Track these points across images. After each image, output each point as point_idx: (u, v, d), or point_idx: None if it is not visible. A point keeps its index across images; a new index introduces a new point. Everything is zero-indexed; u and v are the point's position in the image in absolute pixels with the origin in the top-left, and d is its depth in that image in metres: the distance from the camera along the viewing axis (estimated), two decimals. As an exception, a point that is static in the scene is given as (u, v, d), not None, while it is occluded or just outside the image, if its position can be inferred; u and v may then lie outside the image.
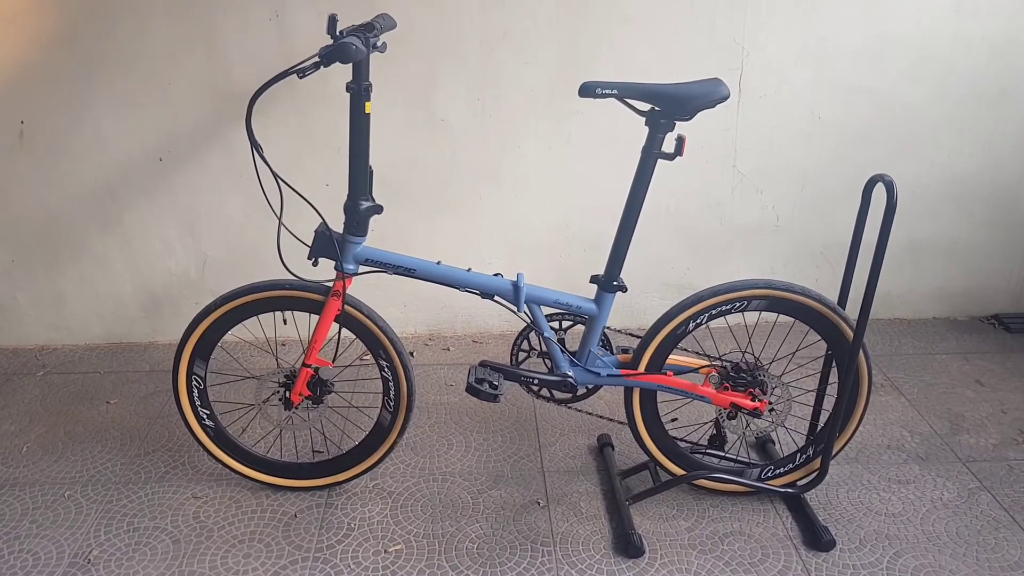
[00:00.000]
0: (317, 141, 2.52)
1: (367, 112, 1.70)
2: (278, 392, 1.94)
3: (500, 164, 2.59)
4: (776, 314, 1.87)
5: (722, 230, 2.75)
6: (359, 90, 1.66)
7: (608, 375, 1.89)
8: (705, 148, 2.59)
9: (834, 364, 1.93)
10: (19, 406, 2.46)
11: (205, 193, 2.56)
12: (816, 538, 1.86)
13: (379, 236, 2.67)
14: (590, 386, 1.96)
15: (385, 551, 1.87)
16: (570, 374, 1.89)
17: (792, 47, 2.46)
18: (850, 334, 1.82)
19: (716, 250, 2.78)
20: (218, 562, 1.84)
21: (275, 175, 1.70)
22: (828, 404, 1.96)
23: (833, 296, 1.91)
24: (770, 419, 1.93)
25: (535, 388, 1.92)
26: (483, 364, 1.87)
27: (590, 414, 2.07)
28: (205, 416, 1.99)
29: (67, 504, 2.03)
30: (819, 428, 2.00)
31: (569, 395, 1.94)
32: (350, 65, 1.60)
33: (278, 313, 1.89)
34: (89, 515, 1.99)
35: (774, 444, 2.18)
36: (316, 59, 1.53)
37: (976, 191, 2.72)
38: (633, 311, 2.87)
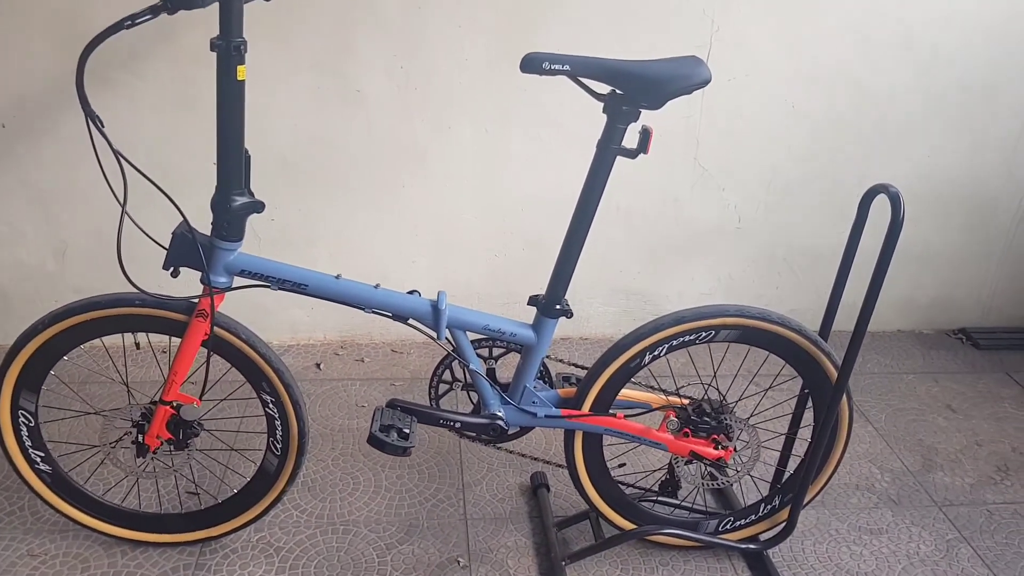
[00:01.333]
0: (202, 110, 2.08)
1: (240, 79, 1.29)
2: (130, 434, 1.53)
3: (427, 147, 2.20)
4: (747, 346, 1.56)
5: (678, 231, 2.43)
6: (228, 48, 1.26)
7: (546, 415, 1.56)
8: (664, 137, 2.23)
9: (809, 404, 1.63)
10: None
11: (59, 167, 2.10)
12: (783, 609, 1.58)
13: (280, 227, 2.26)
14: (514, 428, 1.62)
15: (265, 630, 1.51)
16: (500, 414, 1.55)
17: (769, 25, 2.14)
18: (833, 372, 1.53)
19: (670, 253, 2.47)
20: (46, 650, 1.44)
21: (116, 152, 1.29)
22: (799, 448, 1.68)
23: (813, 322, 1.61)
24: (735, 468, 1.63)
25: (458, 431, 1.57)
26: (391, 405, 1.50)
27: (522, 455, 1.73)
28: (39, 459, 1.57)
29: None
30: (787, 476, 1.71)
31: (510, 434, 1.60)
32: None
33: (130, 335, 1.48)
34: None
35: (732, 487, 1.89)
36: (157, 3, 1.12)
37: (956, 192, 2.47)
38: (574, 319, 2.53)
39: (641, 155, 1.35)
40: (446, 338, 1.49)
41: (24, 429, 1.53)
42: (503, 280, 2.42)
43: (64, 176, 2.11)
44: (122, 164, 1.30)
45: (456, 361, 1.55)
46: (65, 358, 1.49)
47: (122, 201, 1.31)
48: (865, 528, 1.82)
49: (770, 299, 2.56)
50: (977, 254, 2.59)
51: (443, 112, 2.16)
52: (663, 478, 1.71)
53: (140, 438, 1.51)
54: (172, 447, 1.54)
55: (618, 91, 1.30)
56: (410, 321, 1.49)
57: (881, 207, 1.40)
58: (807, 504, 1.68)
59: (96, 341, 1.48)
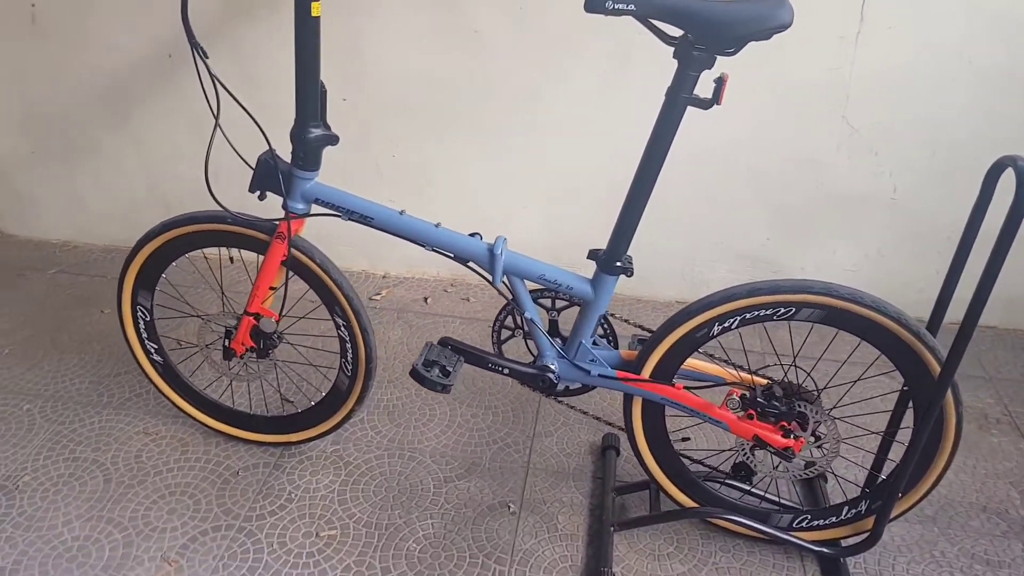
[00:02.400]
0: (334, 46, 2.17)
1: (315, 15, 1.33)
2: (222, 338, 1.68)
3: (542, 91, 2.15)
4: (835, 329, 1.38)
5: (818, 196, 2.19)
6: (302, -16, 1.29)
7: (600, 375, 1.49)
8: (804, 90, 2.03)
9: (911, 404, 1.43)
10: (21, 304, 2.38)
11: (221, 94, 2.29)
12: (843, 624, 1.42)
13: (400, 164, 2.33)
14: (576, 384, 1.57)
15: (317, 535, 1.61)
16: (552, 367, 1.51)
17: (944, -37, 1.83)
18: (936, 370, 1.32)
19: (807, 221, 2.24)
20: (139, 514, 1.65)
21: (215, 80, 1.39)
22: (899, 452, 1.48)
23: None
24: (809, 461, 1.47)
25: (508, 376, 1.55)
26: (443, 342, 1.52)
27: (584, 413, 1.68)
28: (153, 350, 1.78)
29: (21, 419, 1.91)
30: (880, 480, 1.52)
31: (559, 388, 1.57)
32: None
33: (225, 250, 1.61)
34: (38, 435, 1.86)
35: (825, 482, 1.72)
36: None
37: None
38: (693, 282, 2.40)
39: (716, 107, 1.21)
40: (503, 283, 1.47)
41: (141, 323, 1.74)
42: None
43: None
44: (217, 89, 1.40)
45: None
46: (175, 264, 1.66)
47: (216, 119, 1.41)
48: (980, 557, 1.58)
49: (927, 284, 2.25)
50: None
51: (560, 55, 2.08)
52: (736, 460, 1.58)
53: (227, 343, 1.66)
54: (255, 355, 1.67)
55: (688, 34, 1.17)
56: (470, 264, 1.48)
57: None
58: (899, 517, 1.49)
59: (199, 253, 1.64)
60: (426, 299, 2.43)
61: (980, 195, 1.26)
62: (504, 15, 2.05)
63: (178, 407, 1.83)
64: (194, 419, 1.84)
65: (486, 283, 2.47)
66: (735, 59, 1.89)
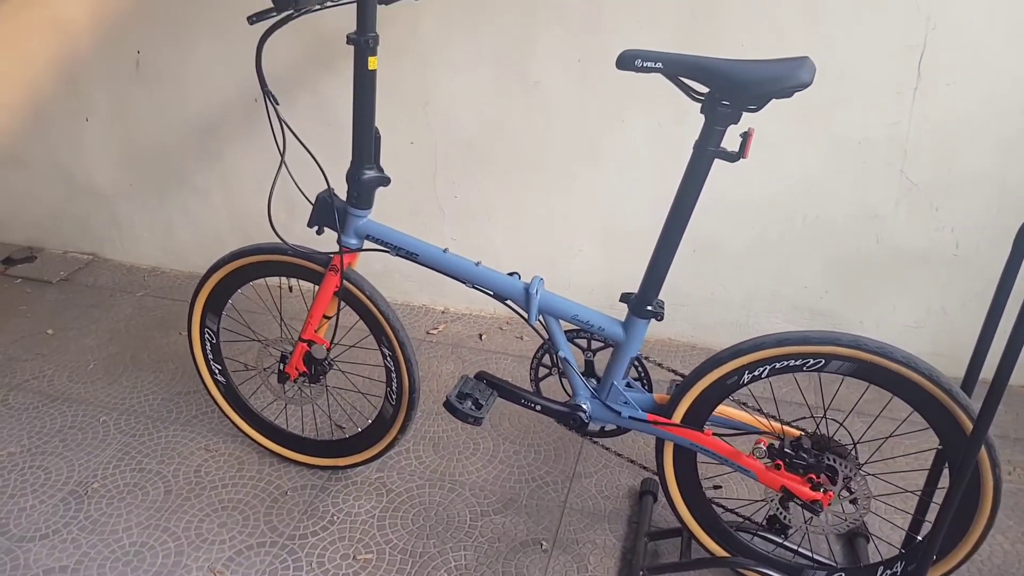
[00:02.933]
0: (404, 94, 2.31)
1: (372, 68, 1.45)
2: (277, 362, 1.80)
3: (599, 139, 2.22)
4: (867, 384, 1.37)
5: (878, 251, 2.16)
6: (361, 43, 1.42)
7: (631, 417, 1.52)
8: (863, 145, 2.03)
9: (947, 463, 1.39)
10: (109, 322, 2.58)
11: (293, 139, 2.47)
12: None
13: (462, 204, 2.44)
14: (611, 426, 1.60)
15: (354, 558, 1.68)
16: (583, 407, 1.55)
17: (1003, 22, 1.81)
18: (969, 426, 1.29)
19: (867, 275, 2.20)
20: (192, 526, 1.76)
21: (283, 123, 1.52)
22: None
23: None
24: (841, 516, 1.45)
25: (541, 413, 1.60)
26: (479, 376, 1.58)
27: (619, 455, 1.70)
28: (217, 371, 1.91)
29: (97, 429, 2.07)
30: (916, 542, 1.48)
31: (591, 428, 1.60)
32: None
33: (285, 279, 1.74)
34: (110, 445, 2.01)
35: (867, 541, 1.67)
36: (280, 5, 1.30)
37: None
38: (749, 332, 2.36)
39: (741, 161, 1.25)
40: (539, 322, 1.52)
41: (208, 344, 1.87)
42: (668, 280, 2.35)
43: (295, 147, 2.49)
44: (284, 132, 1.53)
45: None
46: (240, 291, 1.80)
47: (282, 158, 1.54)
48: (1026, 631, 1.51)
49: (992, 343, 2.17)
50: None
51: (617, 104, 2.15)
52: (770, 512, 1.57)
53: (282, 367, 1.77)
54: (307, 380, 1.77)
55: (713, 91, 1.22)
56: (508, 302, 1.55)
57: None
58: (938, 581, 1.44)
59: (263, 282, 1.76)
60: (481, 336, 2.50)
61: (1011, 254, 1.24)
62: (564, 68, 2.14)
63: (236, 426, 1.95)
64: (251, 438, 1.95)
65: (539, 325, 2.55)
66: (795, 111, 1.93)
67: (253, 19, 1.33)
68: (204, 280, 1.79)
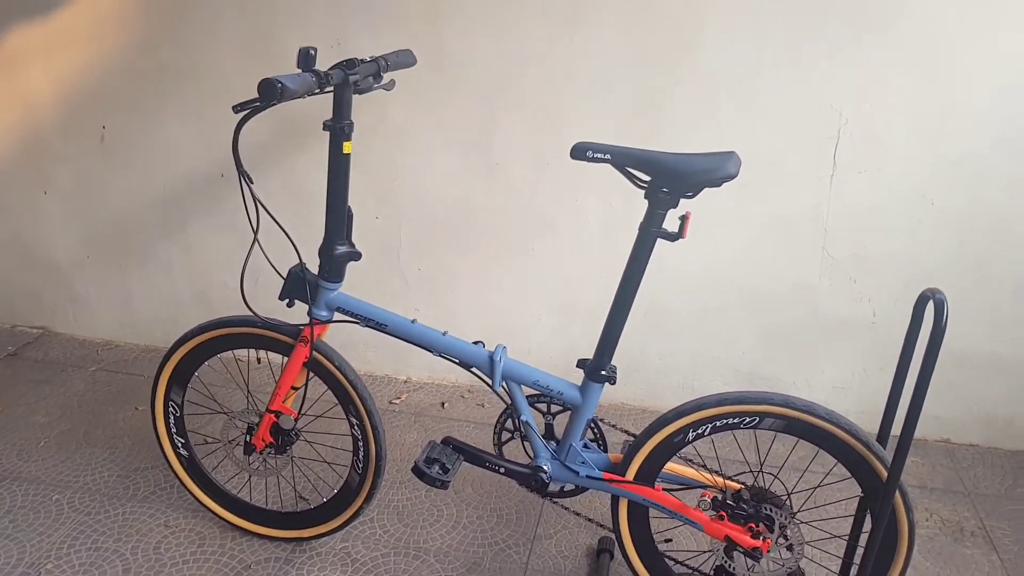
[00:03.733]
0: (372, 172, 2.44)
1: (346, 152, 1.57)
2: (244, 434, 1.84)
3: (556, 217, 2.38)
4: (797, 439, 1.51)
5: (807, 319, 2.36)
6: (337, 129, 1.55)
7: (588, 476, 1.63)
8: (790, 224, 2.24)
9: (868, 510, 1.53)
10: (59, 398, 2.56)
11: (260, 213, 2.56)
12: None
13: (426, 277, 2.55)
14: (570, 486, 1.70)
15: (320, 626, 1.71)
16: (544, 467, 1.65)
17: (904, 120, 2.06)
18: (884, 474, 1.44)
19: (798, 341, 2.39)
20: (155, 601, 1.76)
21: (257, 202, 1.60)
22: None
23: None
24: (780, 562, 1.57)
25: (504, 475, 1.69)
26: (445, 441, 1.67)
27: (577, 515, 1.80)
28: (180, 444, 1.94)
29: (50, 508, 2.05)
30: (850, 587, 1.60)
31: (552, 488, 1.70)
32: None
33: (254, 351, 1.80)
34: (64, 524, 1.99)
35: (806, 590, 1.79)
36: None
37: None
38: (694, 393, 2.53)
39: (680, 240, 1.41)
40: (502, 388, 1.63)
41: (172, 418, 1.91)
42: (622, 346, 2.49)
43: (263, 220, 2.58)
44: (258, 210, 1.62)
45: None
46: (207, 364, 1.85)
47: (255, 235, 1.62)
48: (954, 668, 1.63)
49: (900, 400, 2.36)
50: None
51: (571, 186, 2.33)
52: (716, 563, 1.67)
53: (248, 438, 1.81)
54: (273, 451, 1.82)
55: (655, 180, 1.39)
56: (472, 369, 1.65)
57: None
58: (870, 623, 1.56)
59: (230, 354, 1.82)
60: (443, 404, 2.58)
61: (911, 321, 1.42)
62: (524, 151, 2.31)
63: (198, 500, 1.97)
64: (213, 513, 1.97)
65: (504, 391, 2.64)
66: (734, 193, 2.12)
67: (238, 109, 1.44)
68: (171, 352, 1.84)
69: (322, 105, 1.55)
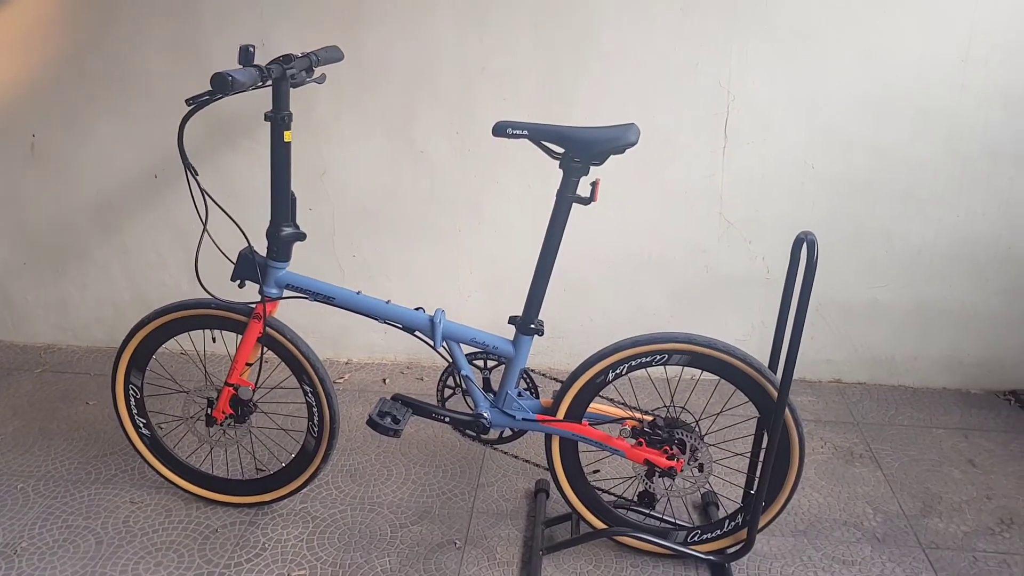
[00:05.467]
0: (302, 166, 2.59)
1: (287, 141, 1.74)
2: (204, 409, 1.98)
3: (479, 199, 2.59)
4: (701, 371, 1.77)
5: (708, 280, 2.64)
6: (278, 119, 1.71)
7: (523, 419, 1.84)
8: (689, 193, 2.51)
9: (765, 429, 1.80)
10: (9, 400, 2.62)
11: (195, 212, 2.67)
12: (728, 614, 1.73)
13: (360, 263, 2.72)
14: (513, 429, 1.91)
15: (289, 574, 1.87)
16: (485, 415, 1.86)
17: (782, 94, 2.36)
18: (775, 395, 1.71)
19: (702, 300, 2.68)
20: (130, 567, 1.89)
21: (204, 192, 1.75)
22: (762, 471, 1.84)
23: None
24: (692, 480, 1.82)
25: (450, 425, 1.89)
26: (395, 398, 1.86)
27: (515, 457, 2.02)
28: (142, 424, 2.06)
29: (16, 496, 2.14)
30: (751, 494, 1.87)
31: (492, 436, 1.90)
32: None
33: (208, 331, 1.95)
34: (32, 508, 2.09)
35: (717, 508, 2.06)
36: (210, 89, 1.56)
37: (991, 255, 2.51)
38: (614, 355, 2.78)
39: (592, 203, 1.64)
40: (443, 347, 1.83)
41: (132, 400, 2.03)
42: (545, 316, 2.72)
43: (197, 217, 2.69)
44: (206, 200, 1.77)
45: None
46: (164, 347, 1.98)
47: (204, 224, 1.77)
48: (839, 558, 1.92)
49: (805, 349, 2.68)
50: (1023, 316, 2.58)
51: (492, 169, 2.54)
52: (639, 490, 1.92)
53: (209, 412, 1.96)
54: (233, 421, 1.97)
55: (567, 151, 1.62)
56: (416, 333, 1.84)
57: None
58: (767, 525, 1.83)
59: (185, 336, 1.96)
60: (385, 380, 2.76)
61: (790, 262, 1.68)
62: (445, 139, 2.51)
63: (163, 476, 2.10)
64: (177, 487, 2.10)
65: (437, 366, 2.84)
66: (638, 169, 2.36)
67: (191, 101, 1.58)
68: (129, 338, 1.96)
69: (247, 106, 1.68)
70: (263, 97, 1.79)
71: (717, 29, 2.30)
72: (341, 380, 2.75)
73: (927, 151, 2.38)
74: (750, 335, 2.71)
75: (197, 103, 1.57)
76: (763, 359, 1.78)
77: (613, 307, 2.71)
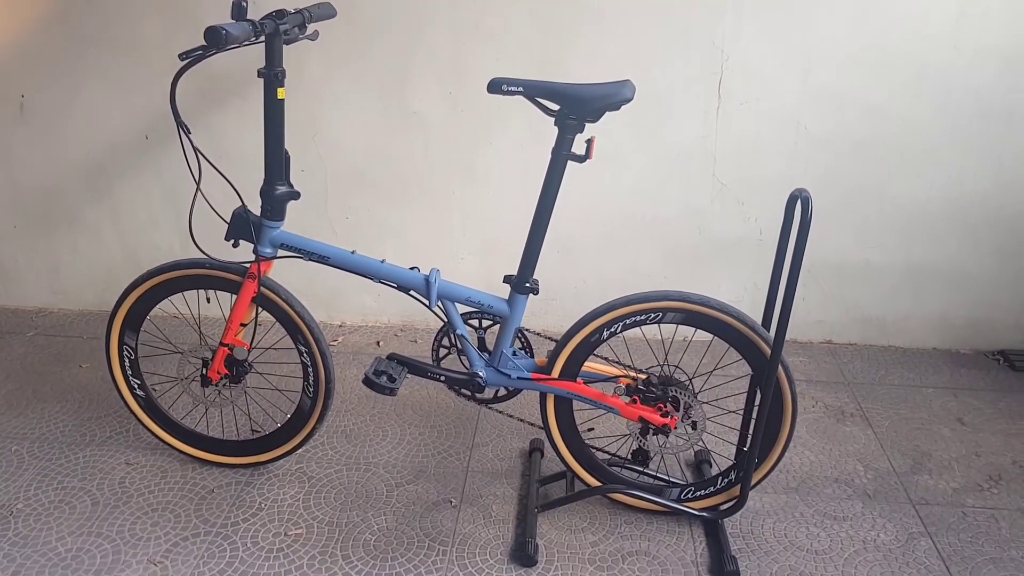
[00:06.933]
0: (294, 126, 2.54)
1: (280, 98, 1.71)
2: (199, 369, 1.98)
3: (473, 160, 2.57)
4: (694, 329, 1.78)
5: (702, 241, 2.64)
6: (271, 76, 1.68)
7: (518, 377, 1.85)
8: (682, 155, 2.50)
9: (759, 386, 1.82)
10: (1, 363, 2.61)
11: (186, 172, 2.61)
12: (720, 568, 1.76)
13: (353, 224, 2.71)
14: (508, 388, 1.92)
15: (285, 534, 1.89)
16: (480, 373, 1.86)
17: (775, 54, 2.34)
18: (767, 352, 1.72)
19: (695, 261, 2.68)
20: (126, 527, 1.90)
21: (197, 151, 1.74)
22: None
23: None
24: (686, 438, 1.84)
25: (444, 383, 1.90)
26: (391, 357, 1.86)
27: (510, 416, 2.03)
28: (136, 386, 2.06)
29: (11, 458, 2.14)
30: (743, 451, 1.89)
31: (487, 395, 1.91)
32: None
33: (203, 291, 1.94)
34: (27, 470, 2.09)
35: (710, 465, 2.09)
36: (204, 44, 1.54)
37: (983, 216, 2.51)
38: (608, 318, 2.79)
39: (588, 161, 1.63)
40: (438, 307, 1.83)
41: (127, 361, 2.02)
42: (539, 278, 2.72)
43: (189, 178, 2.64)
44: (199, 159, 1.75)
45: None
46: (158, 309, 1.97)
47: (197, 183, 1.75)
48: (830, 514, 1.96)
49: (796, 310, 2.69)
50: (1014, 277, 2.59)
51: (486, 130, 2.52)
52: (633, 447, 1.94)
53: (205, 372, 1.96)
54: (229, 381, 1.97)
55: (563, 108, 1.60)
56: (411, 292, 1.84)
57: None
58: (760, 482, 1.86)
59: (179, 299, 1.95)
60: (378, 343, 2.76)
61: (784, 220, 1.68)
62: (439, 99, 2.48)
63: (158, 437, 2.10)
64: (173, 447, 2.11)
65: (431, 328, 2.84)
66: (632, 130, 2.34)
67: (184, 56, 1.56)
68: (123, 298, 1.95)
69: (237, 64, 1.64)
70: (252, 55, 1.76)
71: (712, -14, 2.27)
72: (335, 343, 2.75)
73: (920, 111, 2.38)
74: (743, 296, 2.72)
75: (191, 58, 1.55)
76: (756, 320, 1.79)
77: (606, 268, 2.71)
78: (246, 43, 1.57)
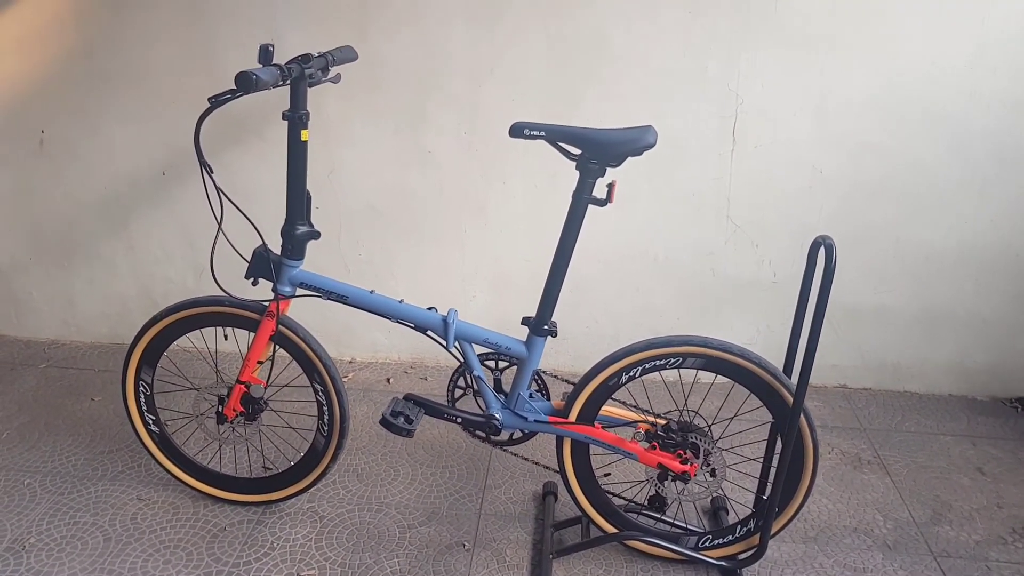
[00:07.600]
0: (310, 164, 2.57)
1: (304, 140, 1.73)
2: (215, 406, 1.98)
3: (485, 198, 2.58)
4: (715, 375, 1.77)
5: (715, 282, 2.64)
6: (295, 118, 1.70)
7: (535, 420, 1.84)
8: (696, 196, 2.51)
9: (779, 433, 1.80)
10: (14, 395, 2.61)
11: (202, 208, 2.67)
12: (738, 619, 1.73)
13: (366, 261, 2.72)
14: (523, 431, 1.91)
15: (298, 574, 1.86)
16: (496, 416, 1.85)
17: (791, 98, 2.36)
18: (790, 400, 1.70)
19: (708, 302, 2.67)
20: (138, 565, 1.88)
21: (220, 191, 1.75)
22: (773, 476, 1.84)
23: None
24: (705, 485, 1.82)
25: (460, 425, 1.89)
26: (407, 397, 1.85)
27: (525, 459, 2.01)
28: (151, 421, 2.05)
29: (23, 491, 2.13)
30: (763, 500, 1.87)
31: (502, 437, 1.90)
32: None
33: (220, 328, 1.94)
34: (39, 504, 2.08)
35: (727, 512, 2.06)
36: (233, 88, 1.56)
37: (999, 262, 2.51)
38: (621, 358, 2.78)
39: (609, 204, 1.63)
40: (455, 348, 1.82)
41: (142, 396, 2.02)
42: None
43: (204, 215, 2.68)
44: (221, 198, 1.77)
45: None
46: (175, 344, 1.98)
47: (219, 223, 1.77)
48: (850, 565, 1.92)
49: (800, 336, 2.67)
50: (1031, 323, 2.58)
51: (499, 169, 2.54)
52: (651, 493, 1.92)
53: (220, 409, 1.95)
54: (244, 419, 1.96)
55: (584, 152, 1.61)
56: (428, 332, 1.84)
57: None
58: (779, 531, 1.83)
59: (198, 333, 1.96)
60: (388, 380, 2.75)
61: (807, 266, 1.68)
62: (453, 139, 2.51)
63: (171, 473, 2.09)
64: (185, 484, 2.09)
65: (441, 365, 2.83)
66: (647, 171, 2.36)
67: (213, 99, 1.58)
68: (140, 335, 1.95)
69: (256, 104, 1.67)
70: (271, 96, 1.79)
71: (727, 32, 2.30)
72: (345, 379, 2.75)
73: (936, 156, 2.39)
74: (755, 338, 2.71)
75: (219, 101, 1.57)
76: (777, 366, 1.78)
77: (618, 308, 2.71)
78: (273, 87, 1.59)
